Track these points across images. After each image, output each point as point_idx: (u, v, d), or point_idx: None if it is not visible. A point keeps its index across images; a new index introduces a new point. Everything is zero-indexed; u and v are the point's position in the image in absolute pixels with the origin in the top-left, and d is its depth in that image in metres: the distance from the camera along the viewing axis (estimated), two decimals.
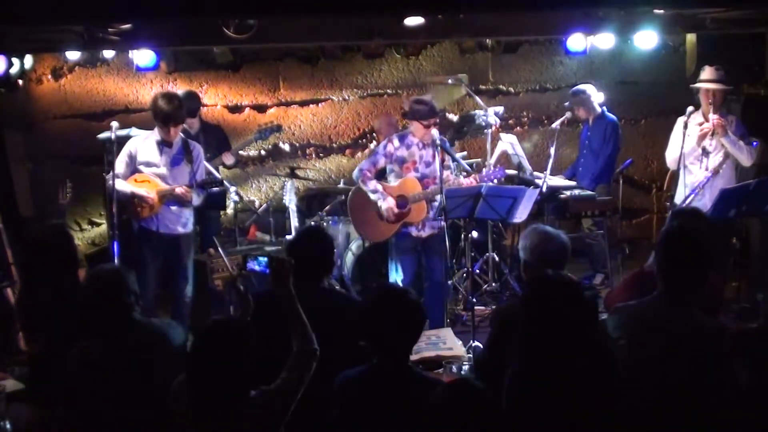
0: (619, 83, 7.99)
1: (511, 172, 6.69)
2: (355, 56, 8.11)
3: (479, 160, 7.06)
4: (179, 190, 5.50)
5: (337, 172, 8.18)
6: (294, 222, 6.67)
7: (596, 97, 6.87)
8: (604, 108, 6.91)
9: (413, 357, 3.57)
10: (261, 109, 8.13)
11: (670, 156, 6.14)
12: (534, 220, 5.99)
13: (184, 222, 5.66)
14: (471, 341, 5.10)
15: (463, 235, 6.17)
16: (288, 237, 6.45)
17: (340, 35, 6.54)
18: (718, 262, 4.64)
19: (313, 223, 6.59)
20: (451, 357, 4.41)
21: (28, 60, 6.81)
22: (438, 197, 5.51)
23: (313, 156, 8.24)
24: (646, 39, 6.37)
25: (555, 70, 8.21)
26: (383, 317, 3.06)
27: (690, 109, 6.00)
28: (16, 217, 6.92)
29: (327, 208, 6.97)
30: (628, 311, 3.35)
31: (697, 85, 6.03)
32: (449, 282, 6.21)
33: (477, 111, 6.94)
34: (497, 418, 2.61)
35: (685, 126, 5.89)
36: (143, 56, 6.37)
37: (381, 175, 5.94)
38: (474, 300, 5.70)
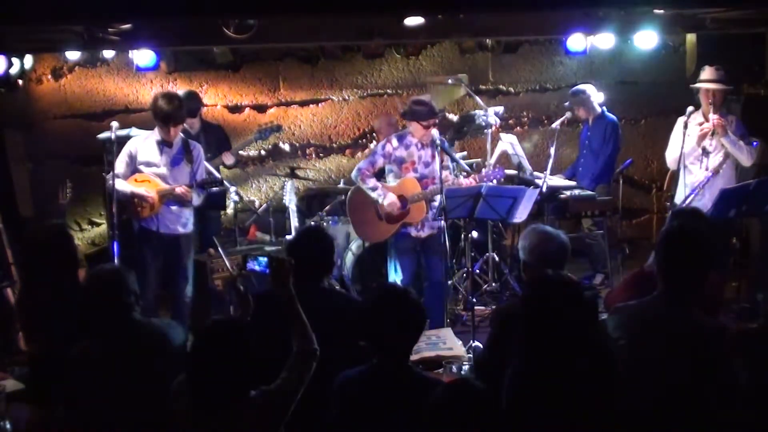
0: (619, 83, 7.99)
1: (511, 172, 6.69)
2: (355, 56, 8.11)
3: (479, 160, 7.06)
4: (179, 189, 5.50)
5: (337, 172, 8.18)
6: (294, 222, 6.67)
7: (596, 97, 6.87)
8: (604, 108, 6.91)
9: (413, 357, 3.57)
10: (261, 109, 8.13)
11: (670, 156, 6.14)
12: (534, 220, 5.99)
13: (184, 222, 5.67)
14: (471, 341, 5.11)
15: (463, 235, 6.17)
16: (288, 237, 6.44)
17: (340, 35, 6.54)
18: (718, 262, 4.63)
19: (313, 223, 6.59)
20: (451, 357, 4.42)
21: (28, 60, 6.81)
22: (437, 197, 5.51)
23: (313, 156, 8.24)
24: (646, 39, 6.37)
25: (555, 70, 8.21)
26: (383, 317, 3.06)
27: (690, 109, 6.00)
28: (16, 217, 6.92)
29: (327, 208, 6.97)
30: (628, 311, 3.35)
31: (697, 85, 6.03)
32: (449, 282, 6.21)
33: (477, 111, 6.94)
34: (497, 418, 2.61)
35: (685, 126, 5.89)
36: (143, 56, 6.37)
37: (379, 176, 5.94)
38: (474, 300, 5.70)
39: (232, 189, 6.35)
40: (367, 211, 5.88)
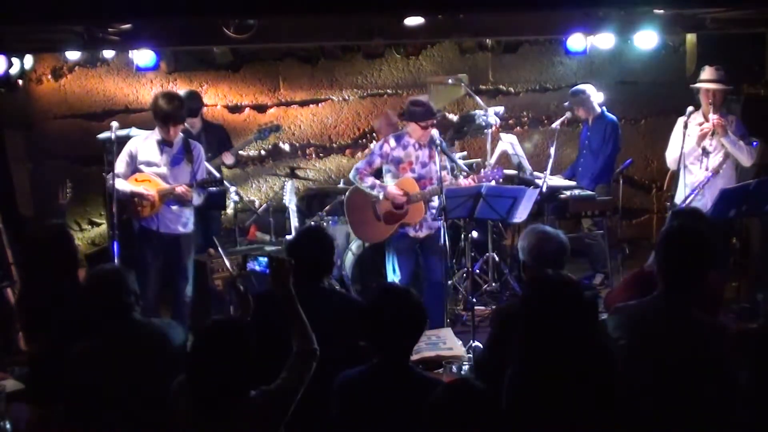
0: (619, 83, 7.99)
1: (511, 172, 6.69)
2: (355, 56, 8.11)
3: (479, 160, 7.07)
4: (180, 189, 5.50)
5: (337, 172, 8.17)
6: (294, 222, 6.67)
7: (596, 97, 6.87)
8: (604, 108, 6.92)
9: (413, 357, 3.56)
10: (261, 109, 8.13)
11: (670, 156, 6.14)
12: (534, 220, 5.99)
13: (184, 222, 5.67)
14: (471, 341, 5.11)
15: (463, 235, 6.18)
16: (288, 237, 6.44)
17: (340, 35, 6.54)
18: (718, 262, 4.64)
19: (313, 223, 6.59)
20: (451, 357, 4.42)
21: (28, 60, 6.80)
22: (435, 198, 5.50)
23: (313, 156, 8.24)
24: (646, 39, 6.36)
25: (555, 70, 8.21)
26: (383, 317, 3.06)
27: (690, 109, 6.00)
28: (16, 217, 6.91)
29: (327, 208, 6.97)
30: (628, 311, 3.35)
31: (697, 85, 6.04)
32: (449, 282, 6.21)
33: (477, 111, 6.93)
34: (497, 418, 2.61)
35: (685, 126, 5.89)
36: (143, 56, 6.36)
37: (377, 176, 5.93)
38: (474, 300, 5.71)
39: (232, 189, 6.35)
40: (366, 211, 5.89)
